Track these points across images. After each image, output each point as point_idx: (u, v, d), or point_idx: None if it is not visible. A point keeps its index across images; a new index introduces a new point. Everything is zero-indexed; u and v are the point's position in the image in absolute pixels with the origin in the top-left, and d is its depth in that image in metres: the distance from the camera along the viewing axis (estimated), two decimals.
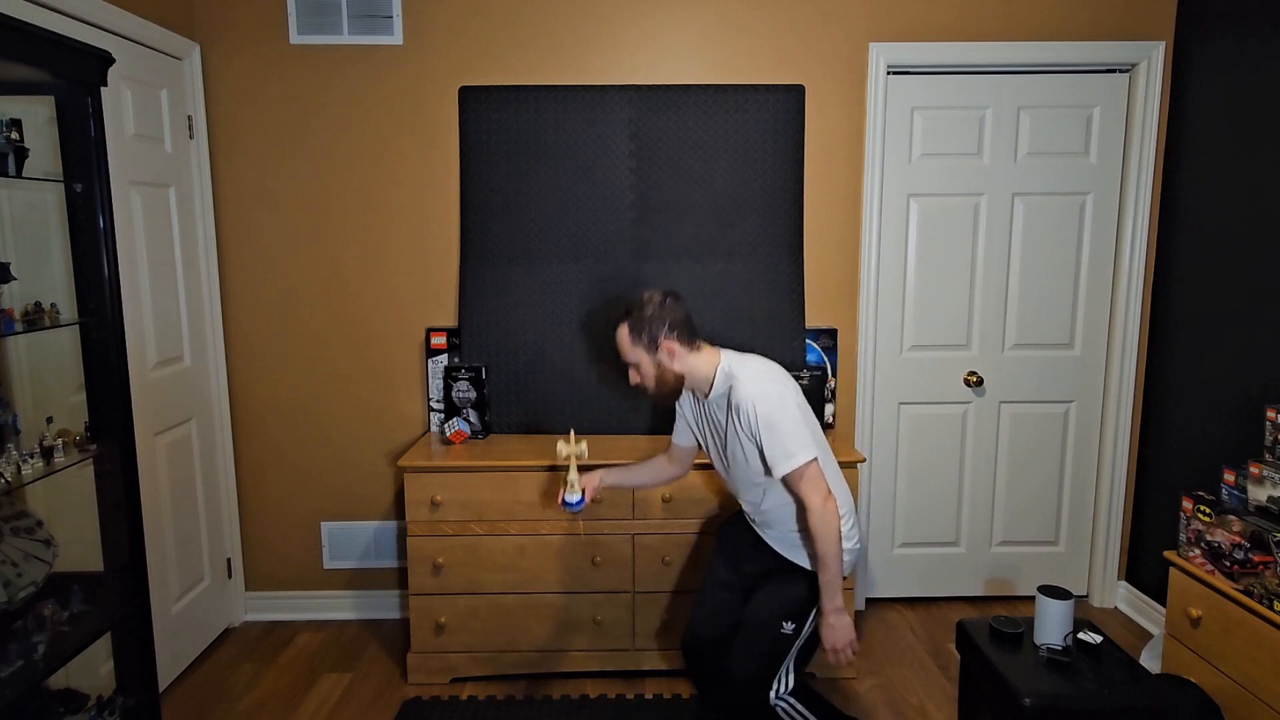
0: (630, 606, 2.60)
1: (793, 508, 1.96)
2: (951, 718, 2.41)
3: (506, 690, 2.59)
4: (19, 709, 1.59)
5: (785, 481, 1.89)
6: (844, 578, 1.98)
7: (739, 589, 2.09)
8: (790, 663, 1.97)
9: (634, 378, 2.05)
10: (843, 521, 1.93)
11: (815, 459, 1.85)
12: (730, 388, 1.91)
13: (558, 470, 2.52)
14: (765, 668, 1.95)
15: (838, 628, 1.89)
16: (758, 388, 1.87)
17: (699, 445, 2.17)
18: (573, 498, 2.13)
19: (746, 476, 1.98)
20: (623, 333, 2.00)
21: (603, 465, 2.30)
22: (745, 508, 2.10)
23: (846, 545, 1.95)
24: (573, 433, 2.20)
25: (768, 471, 1.89)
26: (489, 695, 2.55)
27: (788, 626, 1.94)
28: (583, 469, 2.20)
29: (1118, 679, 1.84)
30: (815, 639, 1.96)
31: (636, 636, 2.62)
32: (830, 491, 1.87)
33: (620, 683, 2.61)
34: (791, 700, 1.97)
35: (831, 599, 1.89)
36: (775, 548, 2.03)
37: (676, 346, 1.96)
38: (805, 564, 1.98)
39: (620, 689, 2.58)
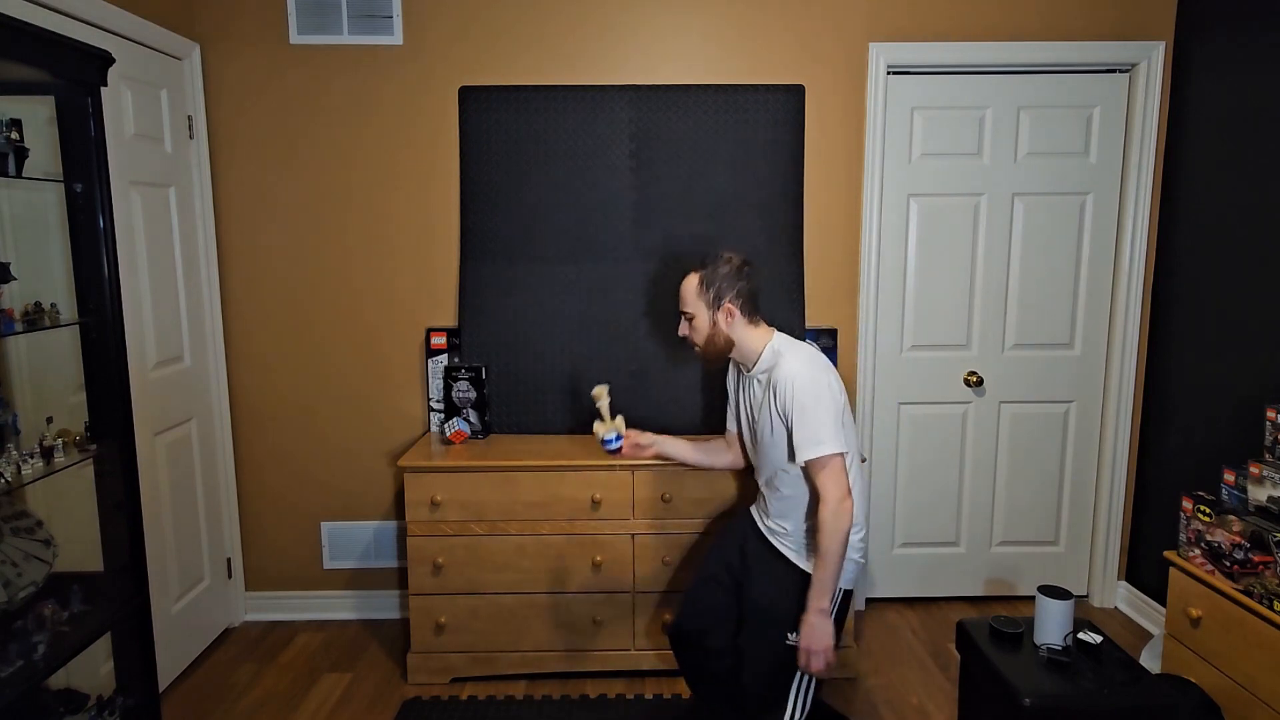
0: (630, 606, 2.60)
1: (808, 503, 1.93)
2: (951, 718, 2.41)
3: (506, 690, 2.59)
4: (19, 709, 1.59)
5: (807, 470, 1.87)
6: (847, 592, 1.96)
7: (731, 585, 2.07)
8: (802, 681, 1.92)
9: (683, 329, 2.06)
10: (854, 532, 1.90)
11: (842, 455, 1.84)
12: (777, 368, 1.91)
13: (557, 470, 2.53)
14: (776, 686, 1.91)
15: (818, 629, 1.84)
16: (803, 369, 1.87)
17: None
18: (607, 435, 2.21)
19: (771, 460, 1.97)
20: (691, 281, 2.01)
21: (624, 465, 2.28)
22: (762, 494, 2.07)
23: (853, 555, 1.93)
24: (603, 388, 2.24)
25: (792, 457, 1.87)
26: (489, 695, 2.55)
27: (792, 638, 1.89)
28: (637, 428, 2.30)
29: (1118, 679, 1.84)
30: None
31: (636, 636, 2.62)
32: (850, 492, 1.85)
33: (620, 683, 2.61)
34: None
35: (819, 599, 1.85)
36: (781, 550, 2.00)
37: (737, 313, 1.98)
38: (810, 569, 1.93)
39: (620, 689, 2.58)
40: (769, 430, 1.94)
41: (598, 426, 2.23)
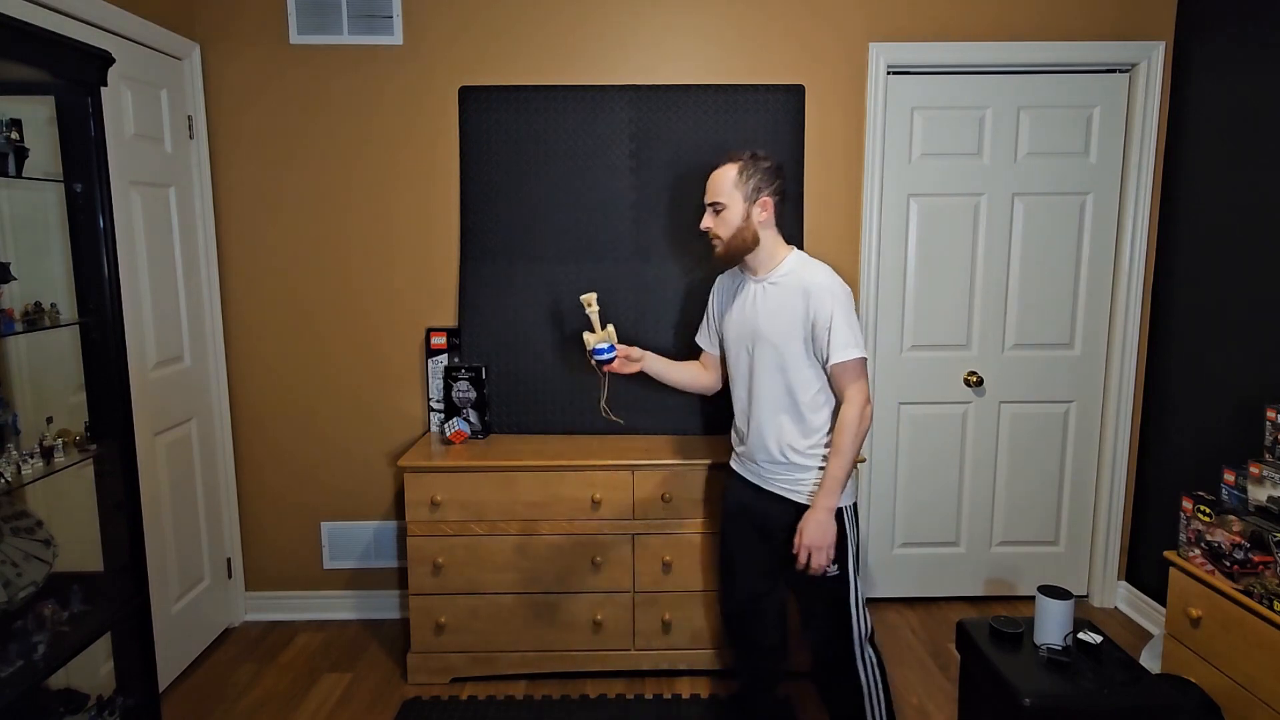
0: (630, 606, 2.60)
1: (795, 418, 1.94)
2: (952, 718, 2.41)
3: (506, 690, 2.59)
4: (19, 709, 1.59)
5: (835, 373, 1.89)
6: (853, 505, 1.98)
7: (759, 546, 2.08)
8: (859, 601, 1.96)
9: (708, 221, 2.01)
10: None
11: (866, 362, 1.90)
12: (805, 274, 1.93)
13: (557, 470, 2.53)
14: (838, 616, 1.95)
15: (823, 526, 1.86)
16: (835, 279, 1.93)
17: (719, 347, 2.18)
18: (599, 345, 2.13)
19: (773, 367, 1.95)
20: (730, 171, 1.96)
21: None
22: (748, 432, 2.04)
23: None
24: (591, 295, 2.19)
25: (814, 361, 1.90)
26: (489, 695, 2.56)
27: (832, 569, 1.91)
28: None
29: (1118, 679, 1.84)
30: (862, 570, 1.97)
31: (636, 636, 2.62)
32: (871, 399, 1.90)
33: (620, 683, 2.61)
34: (875, 661, 1.97)
35: (827, 496, 1.87)
36: (781, 493, 1.99)
37: (771, 209, 1.97)
38: (809, 500, 1.94)
39: (620, 689, 2.58)
40: (781, 336, 1.93)
41: (588, 336, 2.15)
